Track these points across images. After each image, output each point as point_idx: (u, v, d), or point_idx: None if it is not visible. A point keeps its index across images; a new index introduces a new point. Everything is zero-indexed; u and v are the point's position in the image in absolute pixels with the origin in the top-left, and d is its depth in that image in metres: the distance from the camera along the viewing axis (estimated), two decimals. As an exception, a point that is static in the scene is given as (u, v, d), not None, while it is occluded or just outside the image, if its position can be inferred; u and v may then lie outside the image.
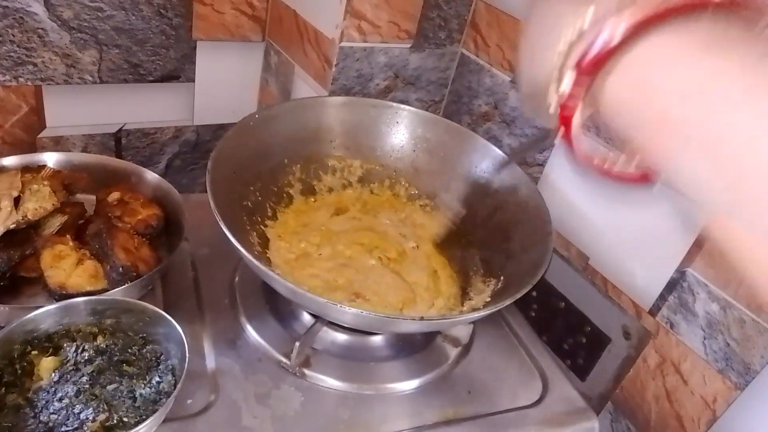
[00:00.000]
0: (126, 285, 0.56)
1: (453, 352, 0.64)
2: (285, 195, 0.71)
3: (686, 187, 0.29)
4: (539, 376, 0.65)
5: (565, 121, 0.32)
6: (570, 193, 0.73)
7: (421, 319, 0.51)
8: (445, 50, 0.85)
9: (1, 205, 0.57)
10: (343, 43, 0.77)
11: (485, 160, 0.73)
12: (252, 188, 0.67)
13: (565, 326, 0.74)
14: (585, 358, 0.72)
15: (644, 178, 0.34)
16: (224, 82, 0.96)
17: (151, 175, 0.72)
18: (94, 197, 0.69)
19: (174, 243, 0.65)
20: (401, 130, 0.76)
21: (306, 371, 0.58)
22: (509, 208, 0.69)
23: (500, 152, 0.72)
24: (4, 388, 0.46)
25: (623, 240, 0.67)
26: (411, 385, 0.60)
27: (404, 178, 0.77)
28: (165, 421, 0.48)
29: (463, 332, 0.65)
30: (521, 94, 0.36)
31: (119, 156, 0.92)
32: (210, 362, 0.57)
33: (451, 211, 0.73)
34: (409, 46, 0.82)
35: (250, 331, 0.61)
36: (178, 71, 0.91)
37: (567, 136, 0.33)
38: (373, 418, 0.55)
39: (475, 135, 0.74)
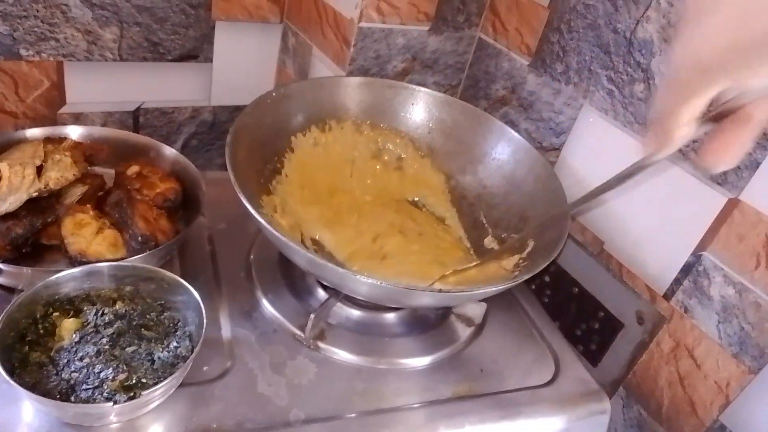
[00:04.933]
0: (145, 253, 0.56)
1: (466, 331, 0.65)
2: (298, 173, 0.72)
3: None
4: (552, 358, 0.65)
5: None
6: (586, 177, 0.73)
7: (439, 291, 0.52)
8: (463, 34, 0.85)
9: (25, 173, 0.58)
10: (362, 24, 0.77)
11: (501, 141, 0.73)
12: (269, 165, 0.68)
13: (578, 312, 0.74)
14: (597, 344, 0.72)
15: None
16: (242, 63, 0.96)
17: (169, 151, 0.72)
18: (113, 171, 0.70)
19: (191, 217, 0.65)
20: (417, 111, 0.77)
21: (320, 344, 0.58)
22: (526, 190, 0.69)
23: (516, 134, 0.72)
24: (27, 347, 0.46)
25: (639, 224, 0.67)
26: (423, 361, 0.60)
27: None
28: (182, 385, 0.49)
29: (476, 312, 0.65)
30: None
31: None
32: (226, 332, 0.57)
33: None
34: (427, 28, 0.82)
35: (266, 304, 0.61)
36: (196, 51, 0.91)
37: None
38: (388, 390, 0.56)
39: (491, 117, 0.74)
